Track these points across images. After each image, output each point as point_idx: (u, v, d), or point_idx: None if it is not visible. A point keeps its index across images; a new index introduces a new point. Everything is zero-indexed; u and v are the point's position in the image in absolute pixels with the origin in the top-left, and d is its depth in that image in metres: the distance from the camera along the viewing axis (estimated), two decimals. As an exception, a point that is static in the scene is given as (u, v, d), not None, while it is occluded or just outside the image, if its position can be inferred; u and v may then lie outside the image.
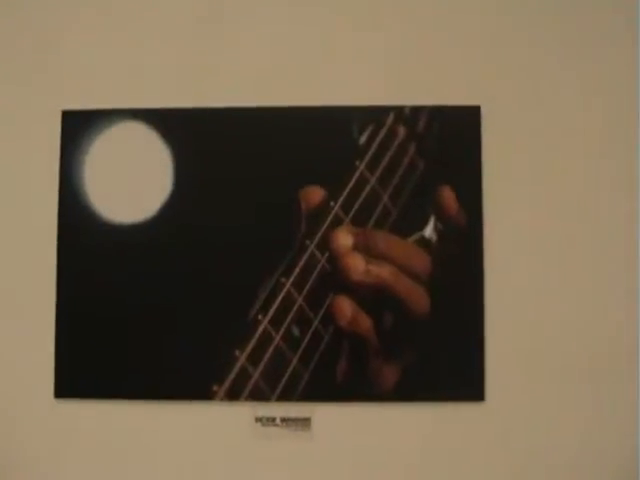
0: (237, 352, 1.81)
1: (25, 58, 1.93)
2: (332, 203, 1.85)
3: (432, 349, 1.83)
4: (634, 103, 1.87)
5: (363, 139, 1.87)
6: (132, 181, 1.89)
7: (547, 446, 1.84)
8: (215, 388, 1.81)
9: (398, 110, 1.88)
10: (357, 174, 1.86)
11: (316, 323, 1.82)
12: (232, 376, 1.80)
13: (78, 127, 1.90)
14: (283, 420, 1.84)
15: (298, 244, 1.84)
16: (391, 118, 1.88)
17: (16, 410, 1.86)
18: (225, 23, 1.92)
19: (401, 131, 1.88)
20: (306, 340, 1.82)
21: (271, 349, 1.81)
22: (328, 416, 1.84)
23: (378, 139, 1.87)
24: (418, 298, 1.83)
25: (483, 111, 1.88)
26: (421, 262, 1.84)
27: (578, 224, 1.88)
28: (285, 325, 1.82)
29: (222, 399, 1.81)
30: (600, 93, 1.89)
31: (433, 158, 1.87)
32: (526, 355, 1.85)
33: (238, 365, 1.80)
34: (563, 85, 1.90)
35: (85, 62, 1.93)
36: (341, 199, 1.85)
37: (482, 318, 1.84)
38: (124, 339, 1.85)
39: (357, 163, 1.87)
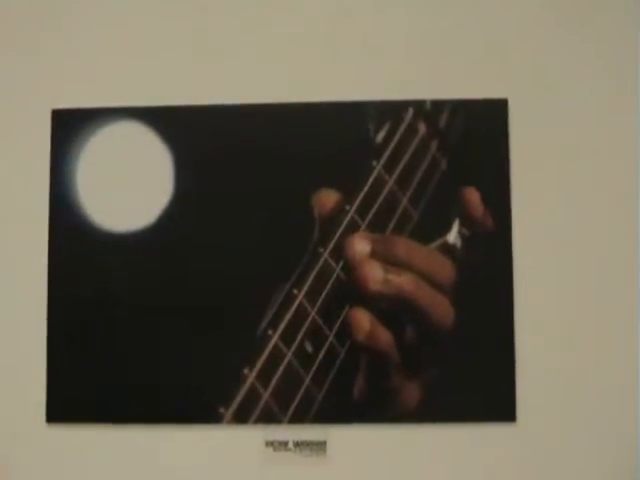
0: (245, 370, 1.75)
1: (11, 52, 1.89)
2: (347, 207, 1.80)
3: (457, 365, 1.77)
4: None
5: (380, 137, 1.82)
6: (129, 186, 1.84)
7: (582, 470, 1.77)
8: (222, 410, 1.75)
9: (418, 105, 1.83)
10: (374, 175, 1.81)
11: (331, 338, 1.77)
12: (240, 397, 1.75)
13: (70, 127, 1.85)
14: (296, 444, 1.79)
15: (311, 252, 1.79)
16: (410, 114, 1.83)
17: (6, 436, 1.81)
18: (230, 14, 1.88)
19: (421, 128, 1.83)
20: (320, 356, 1.76)
21: (282, 367, 1.75)
22: (345, 439, 1.78)
23: (396, 137, 1.82)
24: (441, 309, 1.78)
25: (511, 104, 1.83)
26: (444, 270, 1.79)
27: (619, 226, 1.81)
28: (297, 341, 1.76)
29: (230, 422, 1.75)
30: (636, 87, 1.84)
31: (457, 157, 1.82)
32: (560, 371, 1.79)
33: (247, 385, 1.75)
34: (598, 77, 1.84)
35: (77, 57, 1.88)
36: (357, 203, 1.80)
37: (512, 330, 1.78)
38: (122, 358, 1.80)
39: (374, 163, 1.82)
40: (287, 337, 1.75)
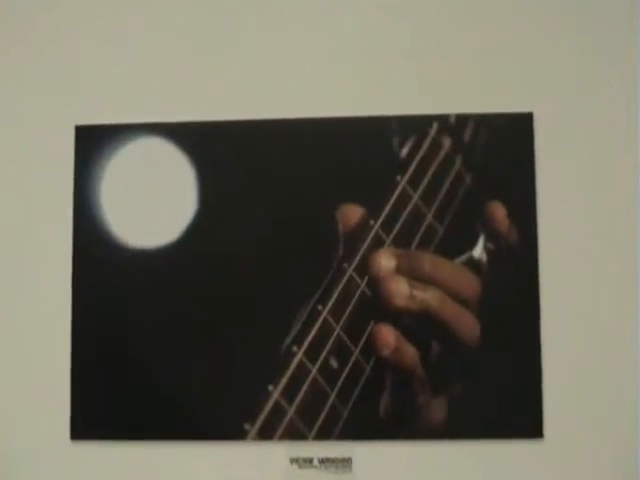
0: (270, 387, 1.73)
1: (35, 69, 1.89)
2: (372, 222, 1.79)
3: (483, 381, 1.76)
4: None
5: (404, 152, 1.81)
6: (152, 202, 1.84)
7: None
8: (247, 427, 1.74)
9: (442, 119, 1.82)
10: (398, 190, 1.80)
11: (356, 354, 1.75)
12: (265, 413, 1.73)
13: (93, 143, 1.85)
14: (321, 461, 1.77)
15: (335, 268, 1.78)
16: (435, 128, 1.82)
17: (30, 453, 1.80)
18: (253, 29, 1.87)
19: (446, 142, 1.82)
20: (345, 373, 1.75)
21: (307, 383, 1.74)
22: (371, 456, 1.77)
23: (421, 151, 1.81)
24: (467, 325, 1.77)
25: (536, 118, 1.81)
26: (470, 286, 1.78)
27: None
28: (322, 357, 1.75)
29: (254, 438, 1.74)
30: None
31: (481, 171, 1.81)
32: (588, 387, 1.76)
33: (271, 401, 1.73)
34: (624, 90, 1.82)
35: (100, 73, 1.88)
36: (381, 218, 1.79)
37: (539, 346, 1.76)
38: (145, 375, 1.79)
39: (398, 178, 1.80)
40: (312, 353, 1.74)
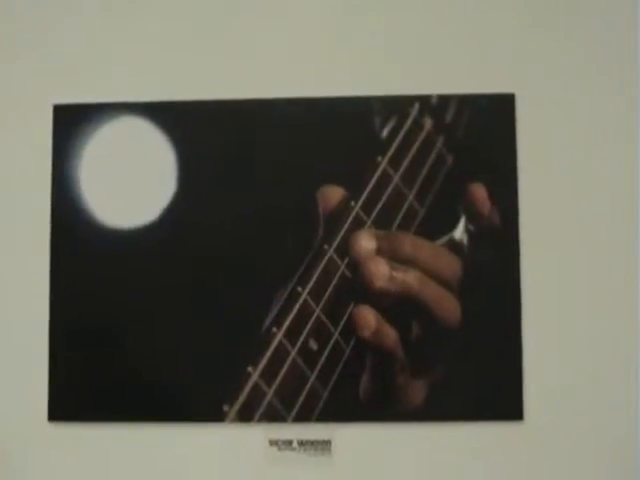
0: (249, 368, 1.73)
1: (13, 47, 1.87)
2: (352, 203, 1.78)
3: (464, 363, 1.76)
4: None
5: (385, 132, 1.80)
6: (132, 181, 1.82)
7: (590, 468, 1.75)
8: (225, 408, 1.73)
9: (424, 99, 1.81)
10: (379, 171, 1.79)
11: (336, 336, 1.75)
12: (244, 395, 1.73)
13: (71, 123, 1.83)
14: (301, 443, 1.76)
15: (315, 249, 1.77)
16: (416, 108, 1.80)
17: (7, 434, 1.79)
18: (232, 8, 1.86)
19: (427, 123, 1.80)
20: (325, 354, 1.74)
21: (287, 365, 1.73)
22: (350, 438, 1.76)
23: (402, 132, 1.80)
24: (448, 307, 1.76)
25: (518, 99, 1.81)
26: (451, 267, 1.77)
27: (626, 223, 1.79)
28: (302, 338, 1.74)
29: (233, 420, 1.74)
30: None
31: (463, 152, 1.80)
32: (569, 368, 1.76)
33: (250, 383, 1.73)
34: (606, 72, 1.82)
35: (79, 52, 1.86)
36: (362, 199, 1.78)
37: (519, 327, 1.76)
38: (124, 356, 1.78)
39: (379, 159, 1.79)
40: (292, 335, 1.74)
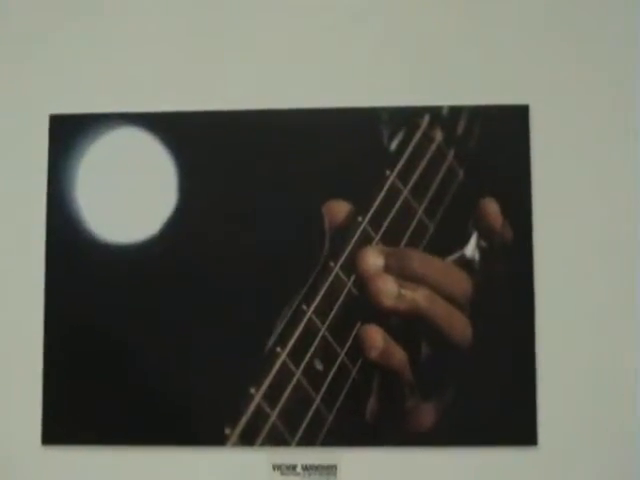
0: (252, 390, 1.72)
1: (10, 57, 1.88)
2: (359, 219, 1.78)
3: (475, 385, 1.75)
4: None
5: (394, 145, 1.80)
6: (130, 195, 1.82)
7: None
8: (227, 431, 1.72)
9: (434, 111, 1.81)
10: (388, 185, 1.79)
11: (342, 356, 1.74)
12: (246, 417, 1.72)
13: (68, 133, 1.83)
14: (305, 468, 1.76)
15: (321, 266, 1.77)
16: (426, 120, 1.81)
17: (1, 458, 1.78)
18: (236, 17, 1.87)
19: (438, 135, 1.81)
20: (331, 376, 1.74)
21: (291, 386, 1.73)
22: (357, 463, 1.75)
23: (411, 145, 1.80)
24: (459, 326, 1.76)
25: (532, 111, 1.80)
26: (461, 285, 1.77)
27: None
28: (307, 359, 1.74)
29: (235, 444, 1.73)
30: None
31: (475, 166, 1.80)
32: (585, 391, 1.75)
33: (253, 405, 1.72)
34: (621, 84, 1.82)
35: (76, 61, 1.88)
36: (370, 214, 1.78)
37: (533, 348, 1.75)
38: (121, 377, 1.78)
39: (387, 173, 1.79)
40: (296, 355, 1.73)
